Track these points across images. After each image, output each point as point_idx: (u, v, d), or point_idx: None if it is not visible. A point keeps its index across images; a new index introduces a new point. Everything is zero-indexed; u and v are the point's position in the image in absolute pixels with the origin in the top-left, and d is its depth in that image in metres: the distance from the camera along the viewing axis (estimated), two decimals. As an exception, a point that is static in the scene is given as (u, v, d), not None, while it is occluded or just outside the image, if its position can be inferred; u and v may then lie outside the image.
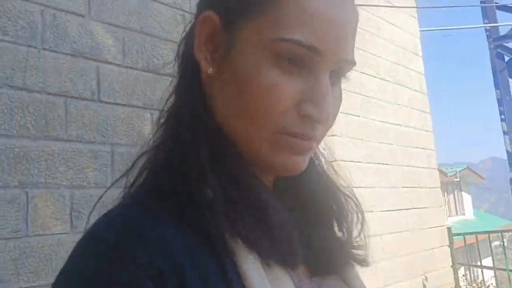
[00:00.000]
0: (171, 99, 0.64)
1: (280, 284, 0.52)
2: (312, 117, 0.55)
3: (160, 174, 0.57)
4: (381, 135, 3.58)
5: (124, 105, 1.94)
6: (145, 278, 0.46)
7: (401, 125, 3.84)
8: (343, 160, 3.13)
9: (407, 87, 4.08)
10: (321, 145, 0.68)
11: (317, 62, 0.55)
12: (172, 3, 2.23)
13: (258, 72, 0.54)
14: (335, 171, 0.72)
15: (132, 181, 0.63)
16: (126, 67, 1.99)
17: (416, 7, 4.56)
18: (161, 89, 2.09)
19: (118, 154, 1.87)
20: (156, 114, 2.03)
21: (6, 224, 1.53)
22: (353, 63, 0.60)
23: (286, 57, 0.54)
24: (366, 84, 3.56)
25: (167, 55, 2.16)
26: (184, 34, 0.65)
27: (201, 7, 0.61)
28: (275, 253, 0.53)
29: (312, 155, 0.67)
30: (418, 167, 3.97)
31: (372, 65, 3.68)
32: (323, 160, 0.71)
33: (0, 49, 1.61)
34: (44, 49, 1.73)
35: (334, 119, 0.60)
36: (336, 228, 0.68)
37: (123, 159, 1.88)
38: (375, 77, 3.68)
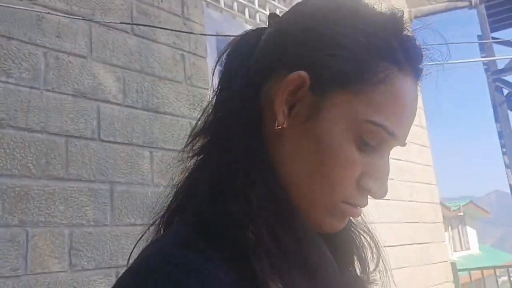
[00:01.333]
0: (198, 134, 0.64)
1: None
2: (370, 191, 0.59)
3: (206, 214, 0.55)
4: (381, 170, 3.58)
5: (124, 143, 1.97)
6: None
7: (401, 160, 3.85)
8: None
9: (406, 122, 4.11)
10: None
11: (388, 143, 0.59)
12: (172, 43, 2.29)
13: (341, 145, 0.56)
14: None
15: (161, 215, 0.64)
16: (127, 106, 2.03)
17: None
18: (160, 127, 2.12)
19: (117, 193, 1.89)
20: (155, 152, 2.06)
21: (6, 262, 1.54)
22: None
23: (367, 137, 0.57)
24: (365, 119, 3.59)
25: (166, 94, 2.20)
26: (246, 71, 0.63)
27: (285, 59, 0.60)
28: None
29: None
30: (419, 202, 3.96)
31: (371, 101, 3.72)
32: None
33: (4, 91, 1.65)
34: (46, 90, 1.77)
35: None
36: (351, 262, 0.69)
37: (122, 197, 1.90)
38: (373, 112, 3.72)
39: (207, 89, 2.42)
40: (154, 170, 2.04)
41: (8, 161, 1.61)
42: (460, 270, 4.61)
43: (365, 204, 0.60)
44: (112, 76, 2.01)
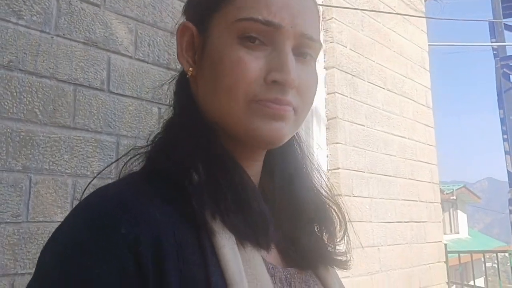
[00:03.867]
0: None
1: (252, 265, 0.58)
2: (278, 81, 0.61)
3: (155, 160, 0.64)
4: (385, 146, 3.57)
5: (133, 97, 1.93)
6: (124, 245, 0.51)
7: (405, 138, 3.83)
8: (345, 168, 3.12)
9: (413, 100, 4.07)
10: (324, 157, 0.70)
11: (277, 36, 0.62)
12: (187, -1, 2.23)
13: (226, 52, 0.62)
14: (327, 178, 0.77)
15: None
16: (137, 59, 1.98)
17: (425, 17, 4.56)
18: (169, 83, 2.08)
19: (123, 146, 1.86)
20: (163, 109, 2.02)
21: (7, 208, 1.52)
22: (315, 41, 0.65)
23: (248, 35, 0.61)
24: (373, 94, 3.55)
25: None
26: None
27: (185, 16, 0.73)
28: (250, 234, 0.59)
29: (301, 158, 0.75)
30: (419, 180, 3.95)
31: (380, 75, 3.67)
32: (309, 164, 0.76)
33: (14, 32, 1.60)
34: (57, 35, 1.72)
35: (311, 92, 0.66)
36: (318, 230, 0.73)
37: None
38: (382, 88, 3.67)
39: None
40: (160, 127, 2.00)
41: (15, 105, 1.57)
42: (450, 252, 4.66)
43: (280, 97, 0.62)
44: (124, 28, 1.95)
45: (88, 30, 1.82)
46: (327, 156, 3.10)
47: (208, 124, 0.64)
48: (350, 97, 3.28)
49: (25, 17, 1.64)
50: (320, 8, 3.18)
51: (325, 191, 0.75)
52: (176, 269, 0.52)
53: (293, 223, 0.69)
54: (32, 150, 1.59)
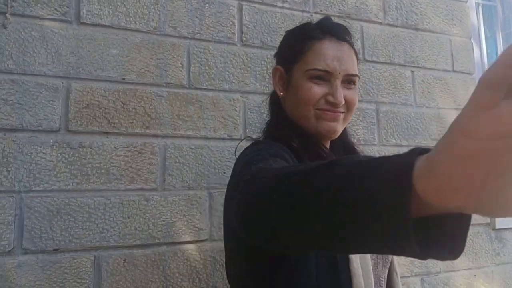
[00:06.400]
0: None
1: None
2: (331, 102, 1.06)
3: (273, 136, 1.12)
4: None
5: (386, 63, 1.95)
6: (280, 145, 1.03)
7: None
8: None
9: None
10: None
11: (331, 77, 1.07)
12: (429, -46, 2.14)
13: (302, 85, 1.08)
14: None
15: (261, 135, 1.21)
16: (387, 24, 1.99)
17: None
18: (420, 45, 2.05)
19: (382, 113, 1.91)
20: (416, 72, 2.01)
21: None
22: (355, 75, 1.10)
23: (314, 77, 1.07)
24: None
25: (424, 9, 2.09)
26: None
27: (276, 61, 1.22)
28: None
29: (349, 139, 1.25)
30: None
31: None
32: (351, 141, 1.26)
33: (281, 15, 1.75)
34: (315, 12, 1.83)
35: (354, 105, 1.11)
36: None
37: (388, 117, 1.91)
38: None
39: (465, 1, 2.23)
40: (416, 90, 1.99)
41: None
42: None
43: (333, 109, 1.07)
44: (372, -6, 1.97)
45: (341, 3, 1.89)
46: None
47: (293, 123, 1.11)
48: None
49: (288, 0, 1.78)
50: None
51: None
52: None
53: None
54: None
